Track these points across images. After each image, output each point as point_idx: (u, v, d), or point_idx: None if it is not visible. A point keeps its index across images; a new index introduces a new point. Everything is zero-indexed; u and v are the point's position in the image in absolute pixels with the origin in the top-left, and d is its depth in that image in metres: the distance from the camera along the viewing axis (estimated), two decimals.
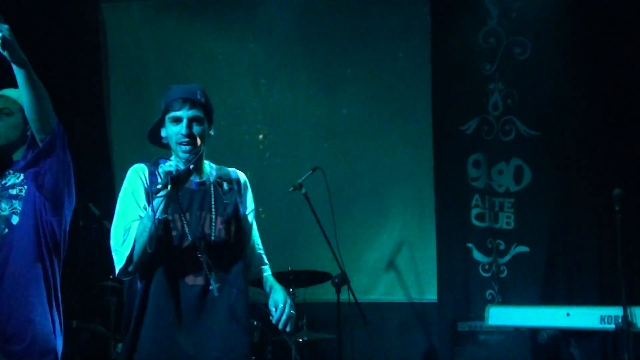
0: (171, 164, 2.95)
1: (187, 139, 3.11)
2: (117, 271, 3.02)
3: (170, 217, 3.02)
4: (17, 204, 3.38)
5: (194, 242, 3.06)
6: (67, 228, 3.50)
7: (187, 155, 3.07)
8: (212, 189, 3.23)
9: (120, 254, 2.99)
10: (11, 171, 3.48)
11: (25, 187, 3.40)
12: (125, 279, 3.09)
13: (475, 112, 6.40)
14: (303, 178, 5.15)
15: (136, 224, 2.99)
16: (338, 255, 5.09)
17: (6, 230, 3.34)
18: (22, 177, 3.43)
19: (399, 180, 6.45)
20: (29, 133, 3.49)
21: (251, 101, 6.72)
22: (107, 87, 6.82)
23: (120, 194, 3.12)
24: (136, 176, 3.15)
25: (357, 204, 6.44)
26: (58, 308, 3.44)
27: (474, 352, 5.85)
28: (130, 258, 2.96)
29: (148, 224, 2.89)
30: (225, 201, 3.25)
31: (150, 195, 2.95)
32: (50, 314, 3.37)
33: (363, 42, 6.64)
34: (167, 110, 3.15)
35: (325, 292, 5.59)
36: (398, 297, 6.39)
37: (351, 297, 5.02)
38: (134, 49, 6.87)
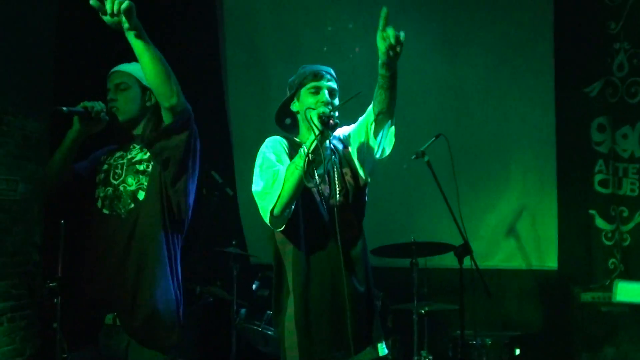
0: (324, 110, 3.13)
1: (329, 106, 3.23)
2: (268, 215, 3.07)
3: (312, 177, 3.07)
4: (143, 180, 3.41)
5: (332, 205, 3.18)
6: (191, 202, 3.51)
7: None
8: (336, 158, 3.34)
9: (270, 195, 3.05)
10: (136, 145, 3.46)
11: (152, 163, 3.42)
12: (277, 229, 3.14)
13: (600, 73, 6.13)
14: (426, 145, 5.01)
15: (284, 168, 3.09)
16: (461, 225, 4.94)
17: (132, 205, 3.38)
18: (148, 153, 3.42)
19: (520, 146, 6.23)
20: (148, 104, 3.47)
21: (368, 65, 6.52)
22: (224, 54, 6.77)
23: (260, 157, 3.23)
24: (277, 143, 3.31)
25: (477, 170, 6.27)
26: (178, 281, 3.47)
27: (595, 324, 5.66)
28: (280, 198, 3.02)
29: (300, 161, 3.00)
30: (343, 168, 3.36)
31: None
32: (172, 288, 3.39)
33: (484, 1, 6.39)
34: (304, 83, 3.32)
35: (444, 258, 5.45)
36: (517, 264, 6.23)
37: (473, 265, 4.92)
38: (250, 14, 6.80)
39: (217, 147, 6.51)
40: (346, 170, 3.34)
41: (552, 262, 6.14)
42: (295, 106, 3.40)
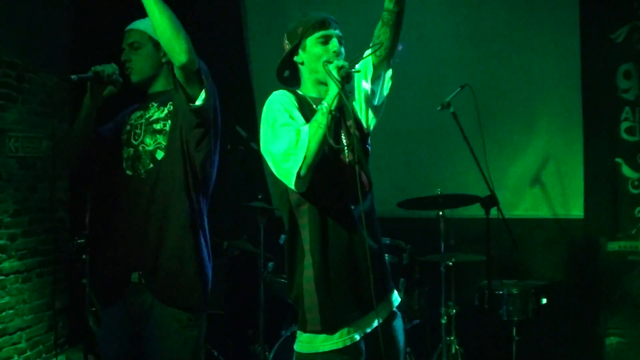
0: (344, 63, 2.93)
1: (341, 56, 3.09)
2: (293, 178, 2.88)
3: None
4: (161, 139, 3.39)
5: (355, 158, 3.02)
6: (216, 160, 3.49)
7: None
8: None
9: (294, 156, 2.86)
10: (154, 104, 3.44)
11: (169, 121, 3.39)
12: (300, 191, 2.95)
13: (626, 18, 5.95)
14: (451, 96, 4.97)
15: (305, 127, 2.91)
16: (488, 177, 4.93)
17: (151, 165, 3.37)
18: (165, 110, 3.40)
19: (544, 93, 6.13)
20: (163, 60, 3.45)
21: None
22: (244, 8, 6.65)
23: (271, 115, 3.04)
24: (285, 98, 3.11)
25: (502, 119, 6.20)
26: (206, 240, 3.46)
27: (622, 272, 5.64)
28: (306, 159, 2.85)
29: (323, 119, 2.85)
30: (347, 121, 3.18)
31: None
32: (198, 248, 3.38)
33: None
34: (309, 31, 3.13)
35: (469, 209, 5.44)
36: (543, 213, 6.17)
37: (499, 216, 4.92)
38: None
39: (240, 101, 6.47)
40: (350, 122, 3.16)
41: (577, 211, 6.08)
42: (299, 57, 3.20)
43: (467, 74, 6.01)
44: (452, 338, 5.11)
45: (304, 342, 3.05)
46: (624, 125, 5.98)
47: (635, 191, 5.94)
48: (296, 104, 3.09)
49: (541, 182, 6.14)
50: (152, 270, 3.30)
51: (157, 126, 3.38)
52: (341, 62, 2.93)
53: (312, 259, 3.01)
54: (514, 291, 5.26)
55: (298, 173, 2.86)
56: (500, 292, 5.25)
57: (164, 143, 3.35)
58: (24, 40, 5.56)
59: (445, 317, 4.93)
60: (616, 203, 5.96)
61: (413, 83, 6.27)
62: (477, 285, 5.43)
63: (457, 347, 5.13)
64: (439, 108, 4.95)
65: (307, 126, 2.91)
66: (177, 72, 3.23)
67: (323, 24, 3.12)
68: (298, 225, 3.06)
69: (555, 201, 6.17)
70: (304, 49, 3.15)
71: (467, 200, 5.06)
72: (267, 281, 5.17)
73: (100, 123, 3.53)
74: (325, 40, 3.11)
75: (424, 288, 5.22)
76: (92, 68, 3.34)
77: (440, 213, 4.94)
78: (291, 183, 2.89)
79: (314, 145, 2.85)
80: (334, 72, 2.90)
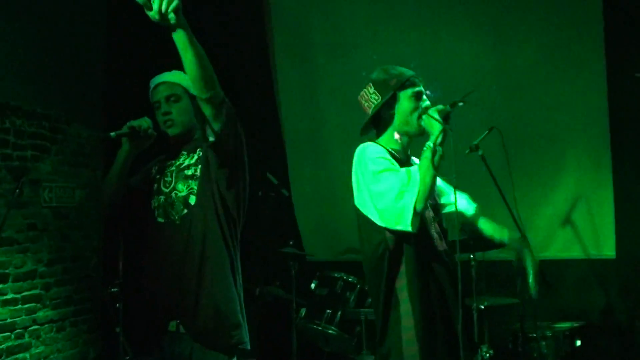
0: (442, 106, 3.28)
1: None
2: (410, 214, 3.01)
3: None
4: (193, 184, 3.44)
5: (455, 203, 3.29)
6: (246, 201, 3.53)
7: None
8: None
9: (409, 193, 3.02)
10: (184, 152, 3.49)
11: (200, 166, 3.45)
12: (414, 229, 3.04)
13: None
14: (480, 139, 4.93)
15: (414, 167, 3.14)
16: (518, 219, 4.90)
17: (185, 210, 3.41)
18: (195, 157, 3.48)
19: (572, 133, 6.14)
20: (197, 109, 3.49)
21: (416, 57, 6.48)
22: (273, 55, 6.77)
23: (370, 163, 3.18)
24: (378, 148, 3.28)
25: (530, 160, 6.21)
26: (240, 281, 3.50)
27: None
28: (420, 194, 3.02)
29: (430, 155, 3.10)
30: None
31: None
32: (234, 287, 3.42)
33: None
34: (406, 86, 3.33)
35: (500, 251, 5.41)
36: (575, 253, 6.14)
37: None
38: (298, 9, 6.78)
39: (270, 148, 6.55)
40: None
41: (610, 251, 6.05)
42: (391, 109, 3.35)
43: (495, 116, 6.05)
44: None
45: None
46: None
47: None
48: (388, 154, 3.24)
49: (572, 222, 6.12)
50: (192, 314, 3.32)
51: (189, 172, 3.44)
52: (441, 106, 3.24)
53: (411, 306, 3.08)
54: (548, 333, 5.24)
55: (414, 209, 3.00)
56: (534, 335, 5.22)
57: (195, 188, 3.40)
58: (57, 93, 5.66)
59: None
60: None
61: None
62: (510, 328, 5.41)
63: None
64: (467, 151, 4.94)
65: (416, 166, 3.13)
66: (204, 106, 3.27)
67: (415, 81, 3.36)
68: (394, 273, 3.13)
69: (586, 241, 6.14)
70: (397, 102, 3.33)
71: (497, 244, 5.05)
72: (300, 327, 5.18)
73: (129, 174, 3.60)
74: (418, 97, 3.33)
75: None
76: (128, 123, 3.44)
77: (472, 256, 4.93)
78: (407, 220, 3.00)
79: (428, 180, 3.04)
80: (435, 115, 3.19)
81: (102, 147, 6.01)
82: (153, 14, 2.89)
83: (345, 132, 6.50)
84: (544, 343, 5.23)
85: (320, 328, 4.97)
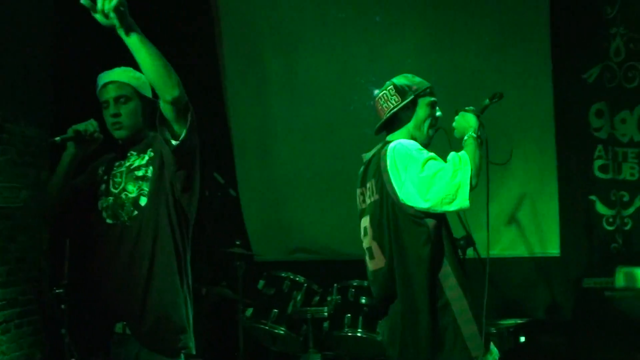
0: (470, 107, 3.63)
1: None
2: (467, 189, 3.23)
3: None
4: (144, 185, 3.38)
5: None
6: (196, 203, 3.49)
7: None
8: None
9: (462, 171, 3.23)
10: (134, 153, 3.45)
11: (151, 167, 3.39)
12: (467, 205, 3.26)
13: (597, 59, 6.13)
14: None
15: (461, 151, 3.35)
16: (463, 217, 4.98)
17: (135, 212, 3.36)
18: (146, 157, 3.42)
19: (519, 134, 6.25)
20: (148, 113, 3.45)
21: (364, 56, 6.54)
22: (222, 53, 6.75)
23: (414, 154, 3.28)
24: (414, 142, 3.40)
25: None
26: (188, 284, 3.45)
27: (599, 309, 5.68)
28: (474, 170, 3.27)
29: (475, 143, 3.42)
30: None
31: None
32: (182, 291, 3.39)
33: None
34: (423, 93, 3.59)
35: None
36: (520, 252, 6.24)
37: (476, 256, 4.99)
38: (246, 11, 6.78)
39: (218, 147, 6.53)
40: None
41: (554, 249, 6.17)
42: (409, 112, 3.54)
43: (441, 118, 6.10)
44: None
45: None
46: (597, 163, 6.10)
47: (609, 228, 6.05)
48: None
49: (517, 221, 6.22)
50: (139, 318, 3.28)
51: (139, 173, 3.38)
52: (471, 107, 3.64)
53: (461, 289, 3.27)
54: (492, 330, 5.31)
55: (470, 183, 3.22)
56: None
57: (147, 189, 3.35)
58: (2, 91, 5.60)
59: None
60: (592, 240, 6.06)
61: None
62: None
63: None
64: None
65: (462, 150, 3.35)
66: (166, 108, 3.19)
67: (433, 92, 3.65)
68: (437, 263, 3.25)
69: (531, 240, 6.25)
70: (415, 106, 3.54)
71: None
72: (246, 327, 5.19)
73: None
74: (433, 106, 3.61)
75: None
76: (73, 127, 3.39)
77: None
78: (465, 196, 3.21)
79: (477, 159, 3.32)
80: (471, 109, 3.61)
81: (48, 147, 5.95)
82: (99, 16, 2.86)
83: (293, 131, 6.55)
84: (488, 339, 5.29)
85: (267, 327, 4.99)
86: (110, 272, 3.35)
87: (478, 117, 3.58)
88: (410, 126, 3.54)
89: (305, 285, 5.14)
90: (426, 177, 3.20)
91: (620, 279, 5.41)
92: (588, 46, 6.14)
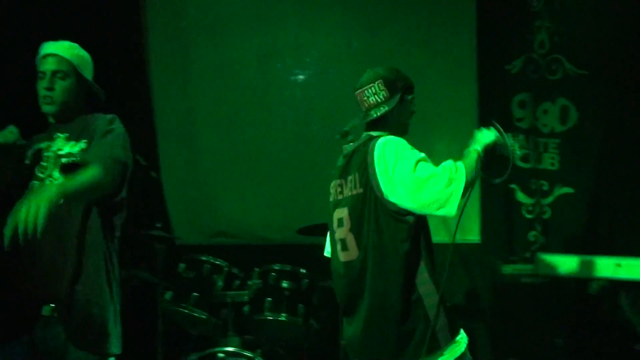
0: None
1: None
2: (457, 200, 3.19)
3: None
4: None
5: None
6: (126, 192, 3.49)
7: None
8: None
9: (457, 182, 3.20)
10: (60, 135, 3.39)
11: (78, 158, 3.34)
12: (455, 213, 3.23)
13: (521, 50, 6.24)
14: (350, 125, 5.01)
15: (459, 162, 3.35)
16: None
17: (61, 200, 3.26)
18: (77, 148, 3.37)
19: (442, 121, 6.31)
20: (81, 94, 3.39)
21: (290, 40, 6.51)
22: (146, 35, 6.64)
23: (407, 152, 3.29)
24: (404, 141, 3.40)
25: None
26: (114, 272, 3.47)
27: (517, 296, 5.79)
28: (467, 183, 3.25)
29: (477, 158, 3.44)
30: None
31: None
32: (108, 287, 3.40)
33: None
34: (409, 90, 3.62)
35: None
36: (441, 238, 6.25)
37: None
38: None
39: (140, 129, 6.41)
40: None
41: (474, 236, 6.27)
42: (394, 110, 3.53)
43: None
44: None
45: (449, 353, 3.25)
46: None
47: (529, 216, 6.16)
48: None
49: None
50: (67, 304, 3.24)
51: (67, 161, 3.33)
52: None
53: (434, 286, 3.26)
54: None
55: (462, 194, 3.19)
56: None
57: None
58: None
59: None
60: (511, 227, 6.17)
61: (314, 112, 6.38)
62: None
63: None
64: (337, 136, 5.01)
65: (462, 160, 3.37)
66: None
67: (413, 88, 3.65)
68: (416, 256, 3.27)
69: (452, 226, 6.29)
70: (401, 103, 3.53)
71: None
72: (166, 310, 5.14)
73: None
74: (413, 103, 3.64)
75: (322, 313, 5.27)
76: None
77: None
78: (454, 204, 3.17)
79: (474, 173, 3.33)
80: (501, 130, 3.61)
81: None
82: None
83: (218, 115, 6.49)
84: None
85: (186, 311, 4.94)
86: (38, 257, 3.29)
87: (498, 141, 3.60)
88: (393, 122, 3.58)
89: (226, 269, 5.11)
90: (418, 178, 3.18)
91: (538, 266, 5.51)
92: (513, 38, 6.23)
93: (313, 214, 5.10)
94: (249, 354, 4.73)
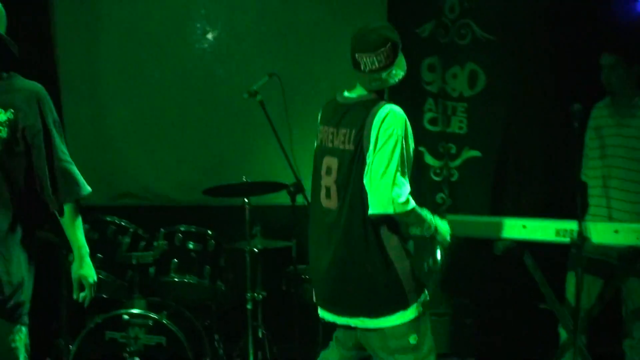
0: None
1: None
2: (404, 198, 3.36)
3: None
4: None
5: None
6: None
7: None
8: None
9: (407, 204, 3.38)
10: None
11: (6, 129, 3.26)
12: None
13: (431, 14, 6.26)
14: (259, 84, 5.00)
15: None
16: (293, 163, 5.03)
17: None
18: (4, 116, 3.26)
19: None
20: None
21: (202, 3, 6.38)
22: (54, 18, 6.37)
23: (402, 141, 3.42)
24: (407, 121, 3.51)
25: (311, 109, 6.24)
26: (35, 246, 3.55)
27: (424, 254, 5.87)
28: (406, 216, 3.46)
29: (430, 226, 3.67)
30: None
31: None
32: (25, 252, 3.45)
33: None
34: (401, 53, 3.62)
35: (278, 196, 5.53)
36: None
37: (305, 202, 5.07)
38: None
39: (44, 87, 6.20)
40: None
41: None
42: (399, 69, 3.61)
43: (276, 64, 6.08)
44: (258, 323, 5.18)
45: (414, 307, 3.48)
46: (427, 116, 6.27)
47: (436, 178, 6.25)
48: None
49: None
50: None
51: None
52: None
53: (403, 251, 3.47)
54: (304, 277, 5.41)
55: (401, 213, 3.35)
56: (307, 277, 5.39)
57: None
58: None
59: (251, 303, 4.97)
60: (419, 190, 6.23)
61: (221, 72, 6.30)
62: (284, 270, 5.55)
63: (264, 331, 5.21)
64: (245, 96, 5.00)
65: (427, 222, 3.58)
66: None
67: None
68: (388, 220, 3.42)
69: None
70: (396, 66, 3.58)
71: (273, 187, 5.12)
72: (69, 272, 5.02)
73: None
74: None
75: (229, 275, 5.25)
76: None
77: (246, 200, 4.96)
78: (390, 208, 3.30)
79: (423, 229, 3.59)
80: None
81: None
82: None
83: (124, 73, 6.33)
84: None
85: None
86: None
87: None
88: (385, 78, 3.59)
89: (131, 230, 5.05)
90: (387, 177, 3.31)
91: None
92: (423, 1, 6.24)
93: (222, 175, 5.07)
94: (154, 316, 4.69)
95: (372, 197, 3.32)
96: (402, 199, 3.32)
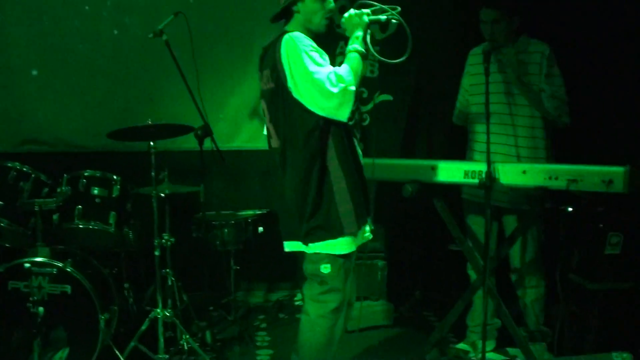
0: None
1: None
2: (354, 88, 3.46)
3: None
4: None
5: None
6: None
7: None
8: None
9: (352, 86, 3.44)
10: None
11: None
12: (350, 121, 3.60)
13: None
14: (164, 23, 4.89)
15: (345, 66, 3.52)
16: (201, 106, 4.95)
17: None
18: None
19: (263, 25, 6.11)
20: None
21: None
22: None
23: (306, 57, 3.44)
24: (307, 39, 3.54)
25: (220, 50, 6.21)
26: None
27: None
28: (357, 86, 3.50)
29: (360, 54, 3.59)
30: None
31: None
32: None
33: None
34: None
35: (185, 141, 5.43)
36: (260, 144, 6.23)
37: (213, 146, 5.01)
38: None
39: None
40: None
41: None
42: (297, 7, 3.66)
43: (184, 3, 5.93)
44: (167, 270, 5.09)
45: (343, 244, 3.61)
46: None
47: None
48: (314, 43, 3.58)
49: (259, 114, 6.24)
50: None
51: None
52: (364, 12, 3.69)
53: (342, 172, 3.57)
54: (231, 222, 5.36)
55: (353, 98, 3.45)
56: (216, 223, 5.33)
57: None
58: None
59: (159, 249, 4.86)
60: None
61: (131, 13, 6.10)
62: (193, 216, 5.47)
63: (173, 279, 5.13)
64: (150, 35, 4.87)
65: (346, 64, 3.53)
66: None
67: None
68: (324, 148, 3.55)
69: None
70: (303, 2, 3.64)
71: (180, 130, 4.97)
72: None
73: None
74: (329, 1, 3.67)
75: (136, 221, 5.13)
76: None
77: (152, 144, 4.82)
78: (348, 108, 3.47)
79: (360, 72, 3.54)
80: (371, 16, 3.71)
81: None
82: None
83: (30, 21, 6.04)
84: (226, 230, 5.35)
85: None
86: None
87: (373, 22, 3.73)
88: (300, 17, 3.68)
89: (33, 176, 4.86)
90: (311, 84, 3.40)
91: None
92: None
93: (129, 121, 4.90)
94: (58, 264, 4.55)
95: (323, 112, 3.46)
96: (337, 89, 3.40)
